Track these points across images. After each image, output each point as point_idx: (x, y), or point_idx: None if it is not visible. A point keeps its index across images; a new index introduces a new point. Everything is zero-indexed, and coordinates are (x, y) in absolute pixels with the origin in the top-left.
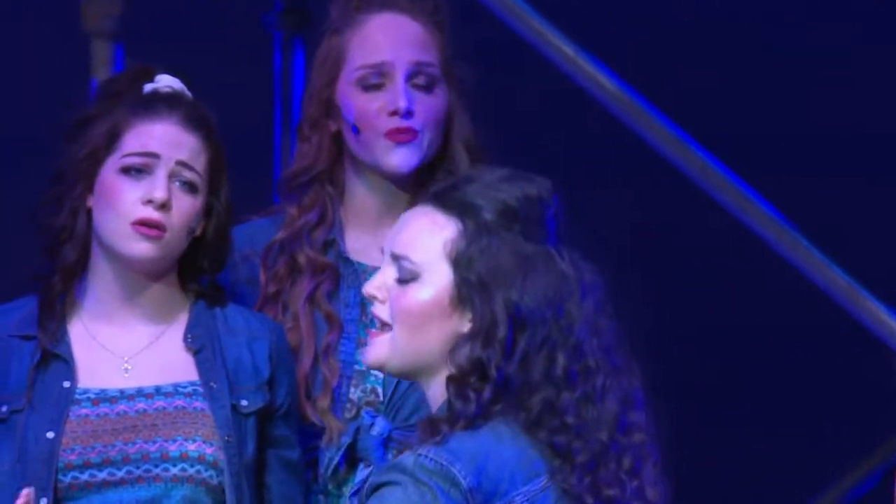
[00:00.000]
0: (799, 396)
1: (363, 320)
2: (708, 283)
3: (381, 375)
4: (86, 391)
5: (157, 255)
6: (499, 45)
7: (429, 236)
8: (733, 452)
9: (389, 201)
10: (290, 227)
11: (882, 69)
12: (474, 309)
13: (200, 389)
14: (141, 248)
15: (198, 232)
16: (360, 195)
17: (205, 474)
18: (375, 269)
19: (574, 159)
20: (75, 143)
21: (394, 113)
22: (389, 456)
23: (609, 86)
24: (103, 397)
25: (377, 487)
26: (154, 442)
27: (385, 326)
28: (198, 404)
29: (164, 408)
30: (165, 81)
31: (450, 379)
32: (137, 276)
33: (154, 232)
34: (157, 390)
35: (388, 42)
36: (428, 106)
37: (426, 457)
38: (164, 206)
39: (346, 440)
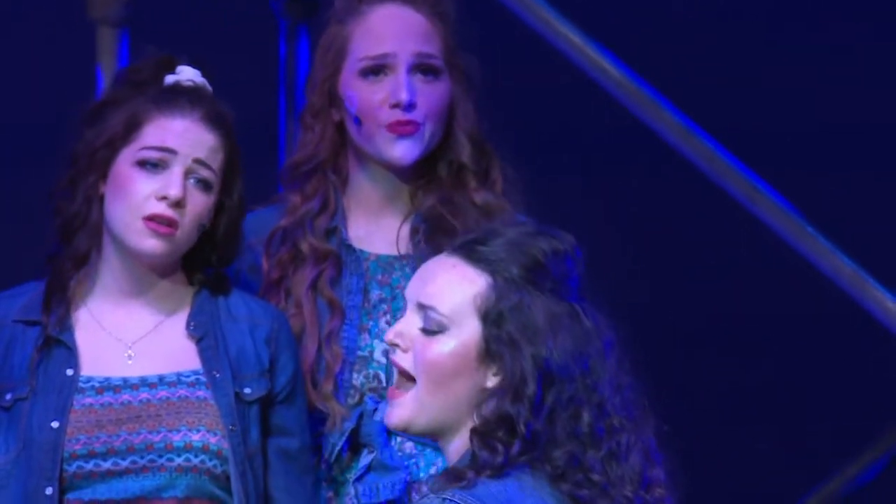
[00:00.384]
0: (803, 383)
1: (365, 307)
2: (714, 271)
3: (383, 361)
4: (89, 379)
5: (166, 251)
6: (506, 35)
7: (458, 289)
8: (737, 438)
9: (391, 191)
10: (292, 215)
11: (889, 59)
12: (504, 364)
13: (203, 378)
14: (151, 244)
15: (207, 225)
16: (363, 184)
17: (209, 464)
18: (378, 257)
19: (581, 149)
20: (93, 127)
21: (396, 105)
22: (392, 442)
23: (617, 75)
24: (107, 386)
25: None
26: (158, 432)
27: (404, 378)
28: (201, 393)
29: (168, 398)
30: (187, 74)
31: (475, 432)
32: (143, 267)
33: (165, 229)
34: (161, 379)
35: (390, 33)
36: (430, 97)
37: (452, 500)
38: (178, 204)
39: (350, 426)
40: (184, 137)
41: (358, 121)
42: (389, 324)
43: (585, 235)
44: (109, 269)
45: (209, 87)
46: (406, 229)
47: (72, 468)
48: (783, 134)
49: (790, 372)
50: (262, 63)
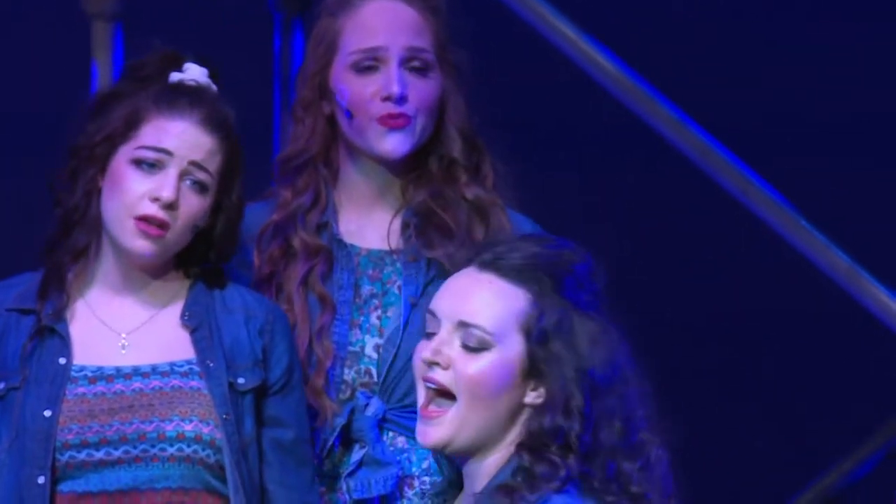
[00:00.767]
0: (799, 378)
1: (356, 302)
2: (709, 266)
3: (375, 356)
4: (82, 368)
5: (155, 253)
6: (500, 30)
7: (500, 306)
8: (734, 432)
9: (382, 185)
10: (284, 210)
11: (885, 51)
12: (549, 379)
13: (197, 368)
14: (140, 245)
15: (202, 225)
16: (354, 178)
17: (202, 454)
18: (369, 252)
19: (575, 143)
20: (95, 121)
21: (387, 98)
22: (384, 437)
23: (611, 69)
24: (100, 375)
25: None
26: (151, 422)
27: (442, 395)
28: (194, 383)
29: (161, 387)
30: (192, 73)
31: (523, 447)
32: (136, 265)
33: (155, 231)
34: (154, 369)
35: (382, 27)
36: (422, 91)
37: None
38: (170, 206)
39: (341, 421)
40: (181, 139)
41: (349, 114)
42: (380, 319)
43: (580, 230)
44: (106, 262)
45: (213, 88)
46: (397, 224)
47: (64, 458)
48: (778, 128)
49: (786, 367)
50: (256, 57)
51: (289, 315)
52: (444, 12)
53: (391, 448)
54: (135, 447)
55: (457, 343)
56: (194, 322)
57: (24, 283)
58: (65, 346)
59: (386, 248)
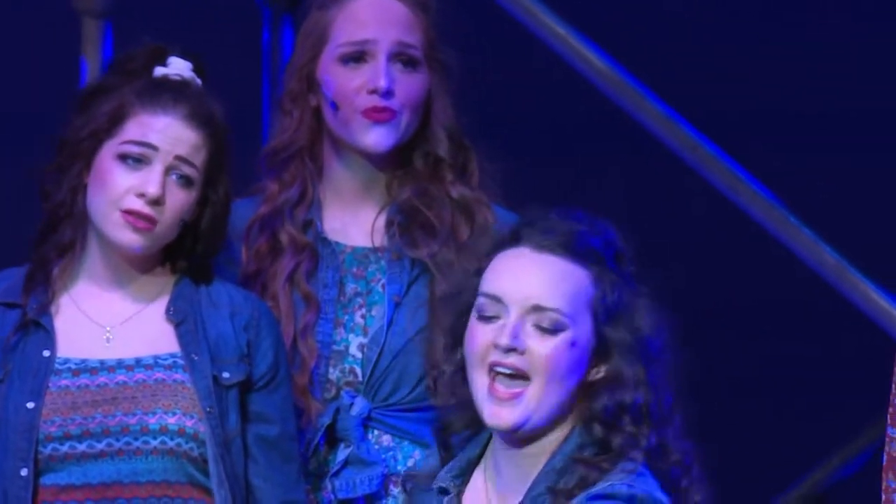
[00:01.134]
0: (786, 374)
1: (341, 300)
2: (698, 261)
3: (359, 355)
4: (66, 361)
5: (144, 245)
6: (489, 26)
7: (569, 287)
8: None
9: (367, 181)
10: (271, 203)
11: (871, 48)
12: (617, 355)
13: (181, 361)
14: (129, 237)
15: (189, 219)
16: (339, 173)
17: (185, 447)
18: (353, 249)
19: (564, 138)
20: (81, 115)
21: (373, 91)
22: (369, 435)
23: (599, 65)
24: (84, 368)
25: None
26: (134, 414)
27: (517, 378)
28: (178, 376)
29: (145, 380)
30: (177, 67)
31: (598, 421)
32: (123, 259)
33: (143, 224)
34: (138, 362)
35: (373, 20)
36: (408, 87)
37: (632, 486)
38: (156, 202)
39: (326, 420)
40: (165, 134)
41: (334, 106)
42: (365, 318)
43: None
44: (92, 257)
45: (198, 82)
46: (381, 221)
47: (47, 450)
48: (766, 125)
49: (773, 364)
50: (245, 53)
51: (273, 313)
52: (435, 10)
53: (376, 447)
54: (118, 440)
55: (529, 326)
56: (179, 316)
57: (9, 279)
58: (49, 338)
59: (370, 245)
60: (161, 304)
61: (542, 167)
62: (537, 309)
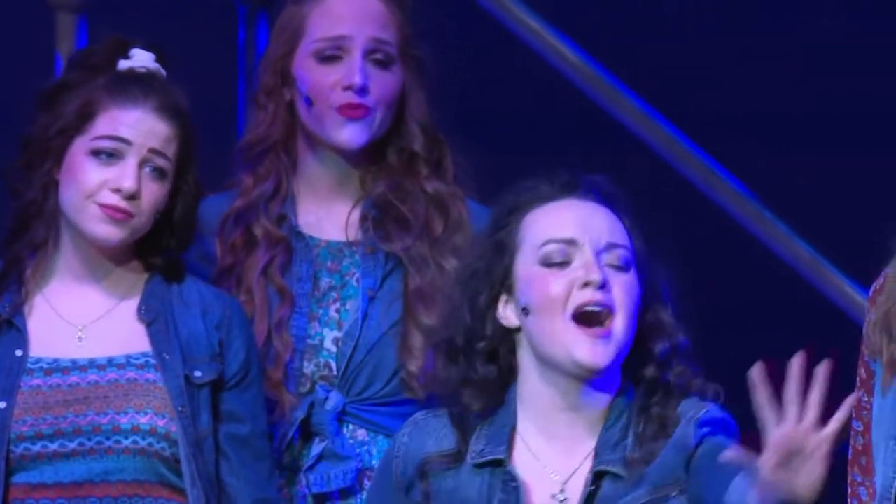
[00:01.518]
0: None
1: (315, 294)
2: (673, 256)
3: (333, 349)
4: (38, 360)
5: (122, 236)
6: (464, 21)
7: (623, 230)
8: None
9: (341, 176)
10: (246, 197)
11: (845, 44)
12: (655, 299)
13: (153, 361)
14: (105, 230)
15: (162, 209)
16: (313, 168)
17: (157, 446)
18: (328, 244)
19: (539, 135)
20: (47, 112)
21: (348, 88)
22: (344, 430)
23: (575, 60)
24: (56, 367)
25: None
26: (105, 414)
27: (608, 315)
28: (150, 376)
29: (116, 380)
30: (140, 59)
31: (652, 365)
32: (98, 252)
33: (121, 215)
34: (110, 361)
35: (348, 16)
36: (383, 84)
37: (720, 410)
38: (132, 196)
39: (300, 415)
40: (137, 128)
41: (308, 101)
42: (339, 312)
43: None
44: (64, 254)
45: (163, 73)
46: (356, 215)
47: (19, 449)
48: (742, 120)
49: (748, 358)
50: (221, 49)
51: (248, 307)
52: (410, 8)
53: (351, 441)
54: (89, 439)
55: (603, 264)
56: (150, 315)
57: None
58: (21, 338)
59: (344, 239)
60: (133, 303)
61: (516, 162)
62: (611, 247)
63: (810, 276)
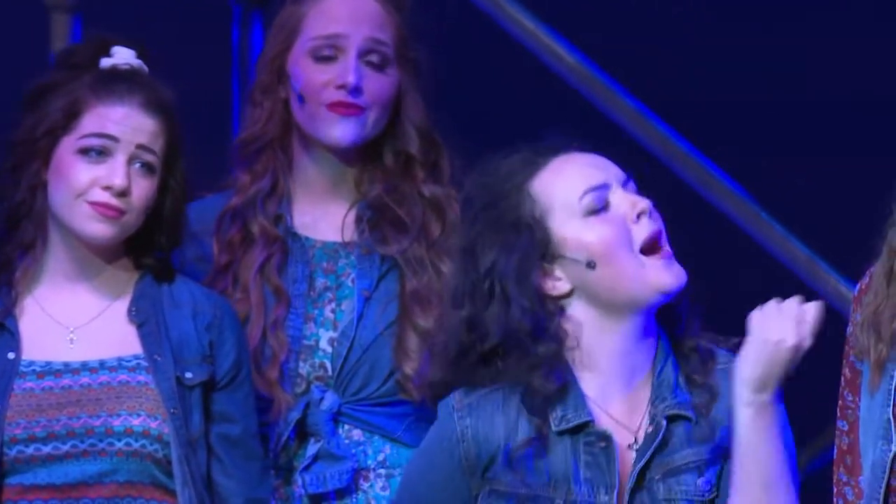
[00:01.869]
0: None
1: (311, 295)
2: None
3: (329, 350)
4: (31, 363)
5: (114, 234)
6: (458, 21)
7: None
8: None
9: (335, 176)
10: (243, 194)
11: (844, 45)
12: None
13: (144, 363)
14: (97, 227)
15: (151, 206)
16: (308, 168)
17: (150, 448)
18: (323, 244)
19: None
20: (33, 114)
21: (342, 87)
22: (339, 430)
23: (569, 59)
24: (48, 370)
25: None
26: (98, 416)
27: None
28: (141, 378)
29: (108, 382)
30: (122, 56)
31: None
32: (89, 251)
33: (112, 213)
34: (102, 364)
35: (345, 16)
36: (377, 85)
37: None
38: (122, 194)
39: (296, 415)
40: (124, 125)
41: (301, 98)
42: (334, 312)
43: None
44: (54, 255)
45: (146, 69)
46: (351, 216)
47: (12, 452)
48: (738, 120)
49: None
50: (215, 50)
51: (243, 306)
52: (407, 9)
53: (347, 441)
54: (82, 441)
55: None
56: (141, 317)
57: None
58: (13, 341)
59: (340, 240)
60: (123, 304)
61: None
62: (631, 181)
63: (807, 277)
